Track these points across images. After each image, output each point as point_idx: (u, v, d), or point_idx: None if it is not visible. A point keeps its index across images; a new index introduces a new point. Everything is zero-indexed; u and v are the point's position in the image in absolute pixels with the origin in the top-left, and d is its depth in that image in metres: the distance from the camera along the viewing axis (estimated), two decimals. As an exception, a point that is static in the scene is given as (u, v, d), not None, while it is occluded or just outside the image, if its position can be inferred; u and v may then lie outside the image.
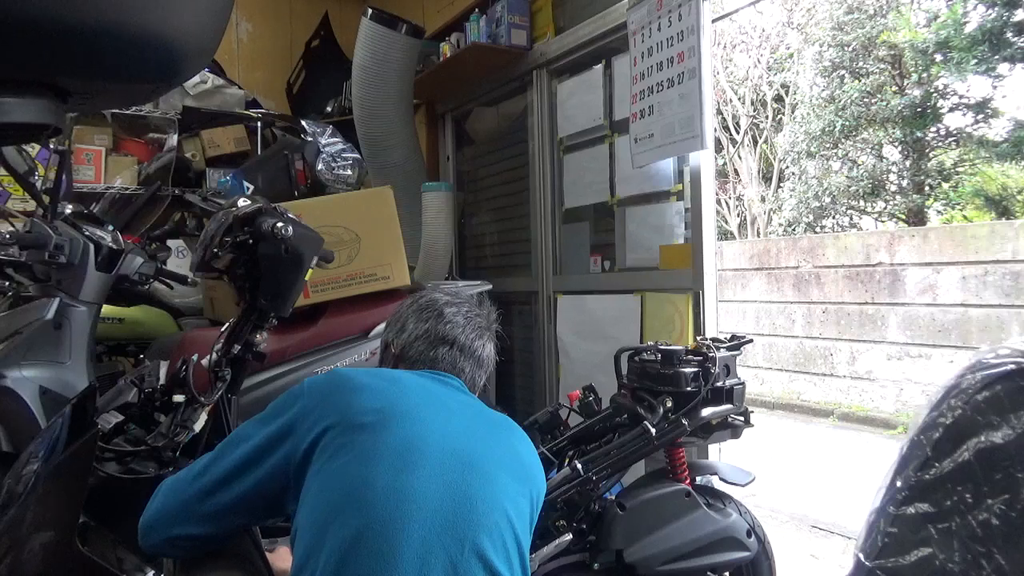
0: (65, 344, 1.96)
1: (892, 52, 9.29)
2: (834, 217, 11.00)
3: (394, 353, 1.22)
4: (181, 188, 3.58)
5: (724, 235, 11.82)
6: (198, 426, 1.50)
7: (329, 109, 4.00)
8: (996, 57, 7.59)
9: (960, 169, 9.56)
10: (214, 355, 1.59)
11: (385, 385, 1.06)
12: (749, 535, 1.72)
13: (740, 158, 11.90)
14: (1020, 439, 0.67)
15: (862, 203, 10.44)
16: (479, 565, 0.94)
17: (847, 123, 9.32)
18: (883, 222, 10.41)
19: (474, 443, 1.04)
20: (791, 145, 10.50)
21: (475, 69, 3.39)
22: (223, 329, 1.65)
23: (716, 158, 3.83)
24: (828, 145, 9.88)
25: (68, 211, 2.15)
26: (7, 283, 2.13)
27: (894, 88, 9.37)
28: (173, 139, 3.68)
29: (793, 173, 10.91)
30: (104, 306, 2.13)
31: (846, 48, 9.56)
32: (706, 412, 1.68)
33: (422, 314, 1.22)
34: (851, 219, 11.11)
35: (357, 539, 0.90)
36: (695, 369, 1.69)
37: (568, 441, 1.79)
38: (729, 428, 1.75)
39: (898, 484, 0.75)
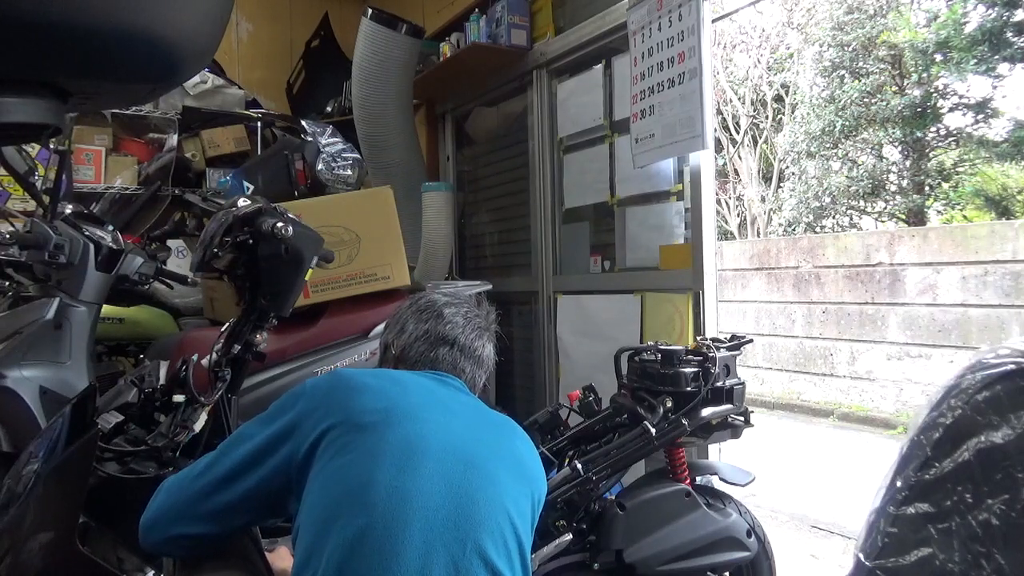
0: (65, 344, 1.96)
1: (892, 52, 9.29)
2: (834, 217, 10.99)
3: (394, 354, 1.22)
4: (181, 188, 3.58)
5: (724, 235, 11.82)
6: (198, 426, 1.49)
7: (329, 109, 4.00)
8: (996, 57, 7.59)
9: (960, 169, 9.56)
10: (214, 355, 1.59)
11: (387, 385, 1.06)
12: (749, 535, 1.72)
13: (740, 158, 11.90)
14: (1020, 439, 0.67)
15: (862, 203, 10.44)
16: (481, 565, 0.94)
17: (847, 123, 9.32)
18: (883, 222, 10.41)
19: (475, 443, 1.04)
20: (791, 145, 10.50)
21: (475, 69, 3.39)
22: (223, 329, 1.65)
23: (716, 158, 3.83)
24: (828, 145, 9.88)
25: (68, 211, 2.15)
26: (7, 283, 2.13)
27: (894, 88, 9.37)
28: (173, 139, 3.68)
29: (793, 173, 10.91)
30: (104, 306, 2.13)
31: (846, 48, 9.56)
32: (706, 412, 1.69)
33: (422, 315, 1.22)
34: (851, 219, 11.11)
35: (359, 538, 0.91)
36: (695, 369, 1.69)
37: (568, 441, 1.79)
38: (729, 428, 1.75)
39: (898, 484, 0.75)
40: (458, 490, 0.97)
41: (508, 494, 1.02)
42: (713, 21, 2.45)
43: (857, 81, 9.41)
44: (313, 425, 0.99)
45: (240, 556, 1.09)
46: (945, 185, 9.57)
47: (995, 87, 8.50)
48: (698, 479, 1.86)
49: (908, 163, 9.66)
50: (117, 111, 3.63)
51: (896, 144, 9.59)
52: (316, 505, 0.95)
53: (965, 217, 9.84)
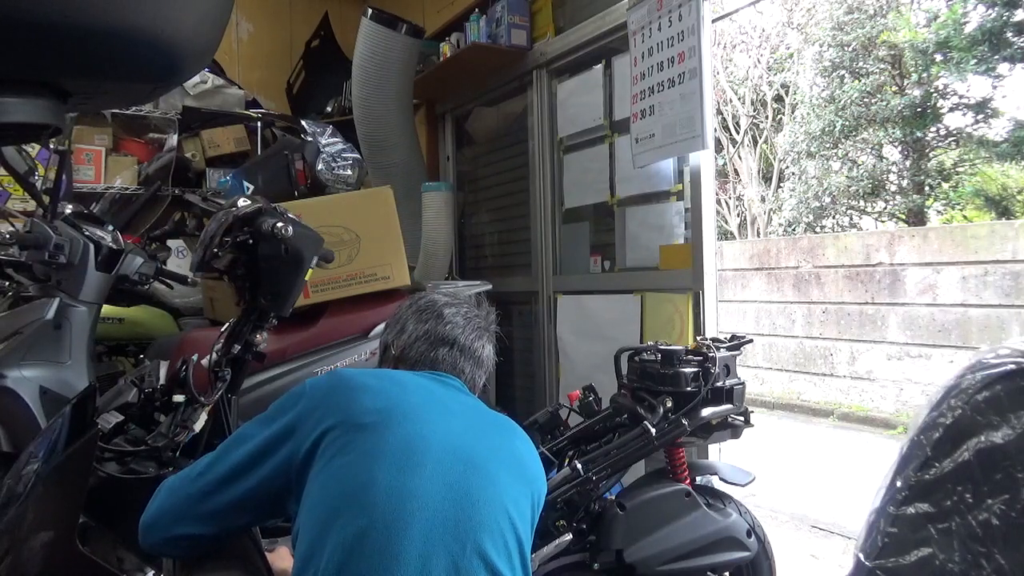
0: (65, 344, 1.96)
1: (892, 52, 9.30)
2: (834, 217, 11.00)
3: (394, 355, 1.22)
4: (181, 188, 3.58)
5: (724, 235, 11.83)
6: (198, 426, 1.50)
7: (329, 109, 4.00)
8: (996, 57, 7.59)
9: (960, 169, 9.56)
10: (214, 355, 1.59)
11: (387, 385, 1.06)
12: (749, 535, 1.72)
13: (740, 158, 11.91)
14: (1020, 439, 0.67)
15: (862, 203, 10.44)
16: (481, 565, 0.94)
17: (847, 123, 9.32)
18: (883, 222, 10.42)
19: (475, 443, 1.04)
20: (791, 145, 10.50)
21: (475, 69, 3.39)
22: (223, 329, 1.65)
23: (716, 158, 3.84)
24: (828, 145, 9.88)
25: (68, 211, 2.15)
26: (7, 283, 2.13)
27: (894, 88, 9.37)
28: (173, 139, 3.68)
29: (793, 173, 10.91)
30: (104, 306, 2.13)
31: (846, 48, 9.57)
32: (706, 412, 1.68)
33: (422, 315, 1.22)
34: (851, 219, 11.11)
35: (360, 538, 0.91)
36: (695, 369, 1.69)
37: (568, 441, 1.79)
38: (729, 428, 1.75)
39: (898, 484, 0.75)
40: (458, 490, 0.97)
41: (508, 494, 1.02)
42: (713, 21, 2.45)
43: (857, 81, 9.41)
44: (313, 426, 0.99)
45: (240, 556, 1.09)
46: (945, 185, 9.57)
47: (995, 87, 8.51)
48: (698, 479, 1.86)
49: (908, 163, 9.67)
50: (117, 111, 3.63)
51: (896, 144, 9.59)
52: (316, 505, 0.95)
53: (965, 217, 9.85)
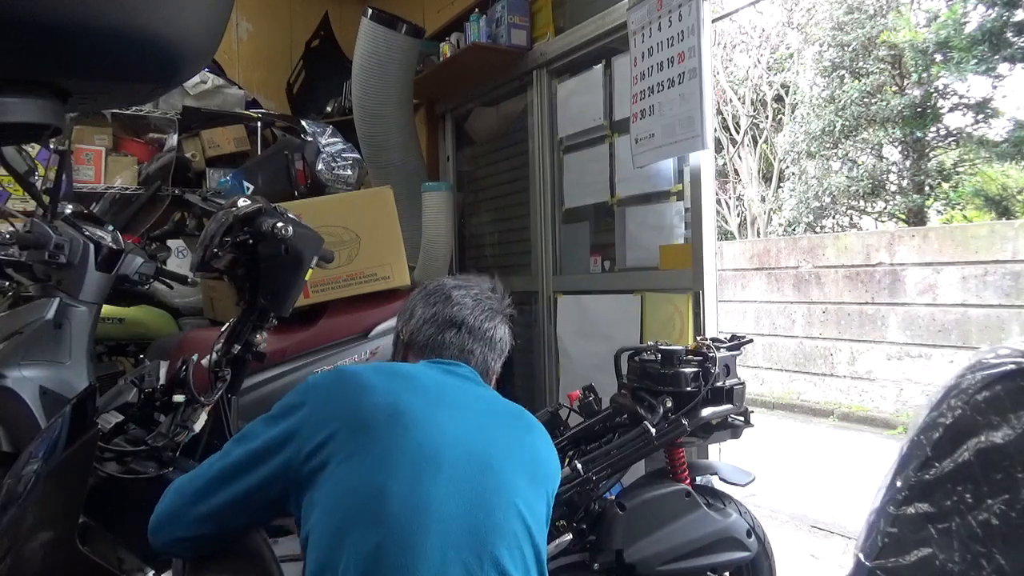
0: (65, 344, 1.96)
1: (892, 52, 9.30)
2: (834, 217, 11.01)
3: (403, 340, 1.21)
4: (181, 188, 3.57)
5: (724, 235, 11.83)
6: (198, 426, 1.50)
7: (329, 109, 3.99)
8: (996, 57, 7.59)
9: (960, 169, 9.57)
10: (214, 355, 1.59)
11: (393, 382, 1.04)
12: (749, 535, 1.72)
13: (740, 158, 11.91)
14: (1020, 439, 0.67)
15: (862, 203, 10.45)
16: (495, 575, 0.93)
17: (847, 123, 9.33)
18: (883, 222, 10.42)
19: (489, 443, 1.02)
20: (791, 145, 10.51)
21: (475, 69, 3.39)
22: (223, 329, 1.65)
23: (716, 158, 3.84)
24: (828, 145, 9.89)
25: (68, 211, 2.15)
26: (7, 283, 2.13)
27: (894, 88, 9.38)
28: (173, 139, 3.67)
29: (793, 173, 10.92)
30: (104, 306, 2.13)
31: (846, 48, 9.57)
32: (706, 412, 1.68)
33: (430, 299, 1.21)
34: (851, 219, 11.12)
35: (376, 553, 0.89)
36: (695, 369, 1.69)
37: (568, 441, 1.79)
38: (729, 428, 1.75)
39: (898, 484, 0.75)
40: (472, 497, 0.95)
41: (523, 497, 1.00)
42: (713, 21, 2.45)
43: (857, 81, 9.41)
44: (317, 428, 0.98)
45: (250, 556, 1.08)
46: (945, 185, 9.58)
47: (995, 87, 8.53)
48: (698, 479, 1.86)
49: (908, 163, 9.67)
50: (117, 111, 3.63)
51: (896, 144, 9.60)
52: (328, 512, 0.93)
53: (965, 217, 9.85)
